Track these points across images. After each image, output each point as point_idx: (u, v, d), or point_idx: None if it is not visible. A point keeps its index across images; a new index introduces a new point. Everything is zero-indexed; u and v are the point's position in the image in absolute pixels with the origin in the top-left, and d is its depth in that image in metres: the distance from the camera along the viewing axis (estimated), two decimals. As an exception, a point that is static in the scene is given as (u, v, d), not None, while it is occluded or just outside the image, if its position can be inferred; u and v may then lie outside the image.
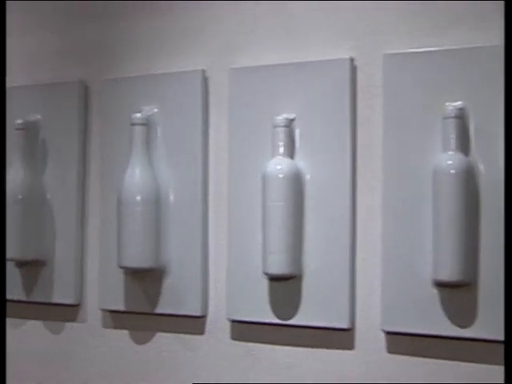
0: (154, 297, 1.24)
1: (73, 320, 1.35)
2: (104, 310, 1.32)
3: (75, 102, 1.34)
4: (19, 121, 1.35)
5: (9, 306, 1.41)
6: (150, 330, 1.27)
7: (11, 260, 1.35)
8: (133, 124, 1.23)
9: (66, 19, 1.38)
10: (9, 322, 1.42)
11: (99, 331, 1.32)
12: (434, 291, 1.03)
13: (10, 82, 1.42)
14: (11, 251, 1.33)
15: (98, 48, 1.35)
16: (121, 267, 1.23)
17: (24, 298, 1.38)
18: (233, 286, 1.18)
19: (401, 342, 1.07)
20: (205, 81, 1.23)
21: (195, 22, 1.25)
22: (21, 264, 1.37)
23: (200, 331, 1.22)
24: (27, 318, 1.40)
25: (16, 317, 1.41)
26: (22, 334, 1.41)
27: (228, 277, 1.18)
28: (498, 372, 1.00)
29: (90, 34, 1.36)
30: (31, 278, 1.37)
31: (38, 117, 1.37)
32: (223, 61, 1.22)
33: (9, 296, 1.40)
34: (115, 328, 1.31)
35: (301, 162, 1.13)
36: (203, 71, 1.23)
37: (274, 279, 1.14)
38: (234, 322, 1.19)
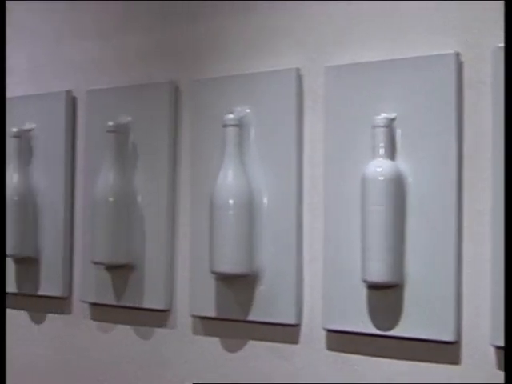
0: (246, 303, 1.21)
1: (162, 326, 1.33)
2: (195, 316, 1.29)
3: (166, 104, 1.33)
4: (110, 123, 1.34)
5: (98, 309, 1.41)
6: (242, 338, 1.24)
7: (101, 264, 1.35)
8: (225, 125, 1.21)
9: (157, 20, 1.38)
10: (98, 326, 1.42)
11: (189, 338, 1.30)
12: (551, 303, 0.96)
13: (102, 83, 1.42)
14: (101, 255, 1.33)
15: (189, 48, 1.34)
16: (213, 272, 1.20)
17: (114, 303, 1.38)
18: (329, 294, 1.13)
19: (512, 357, 1.00)
20: (299, 80, 1.19)
21: (286, 21, 1.22)
22: (111, 268, 1.36)
23: (294, 340, 1.18)
24: (116, 322, 1.40)
25: (105, 321, 1.41)
26: (111, 338, 1.40)
27: (324, 284, 1.14)
28: None
29: (181, 35, 1.34)
30: (121, 282, 1.36)
31: (129, 118, 1.36)
32: (318, 59, 1.18)
33: (99, 300, 1.40)
34: (206, 335, 1.28)
35: (402, 163, 1.08)
36: (297, 70, 1.19)
37: (373, 287, 1.09)
38: (329, 331, 1.15)
